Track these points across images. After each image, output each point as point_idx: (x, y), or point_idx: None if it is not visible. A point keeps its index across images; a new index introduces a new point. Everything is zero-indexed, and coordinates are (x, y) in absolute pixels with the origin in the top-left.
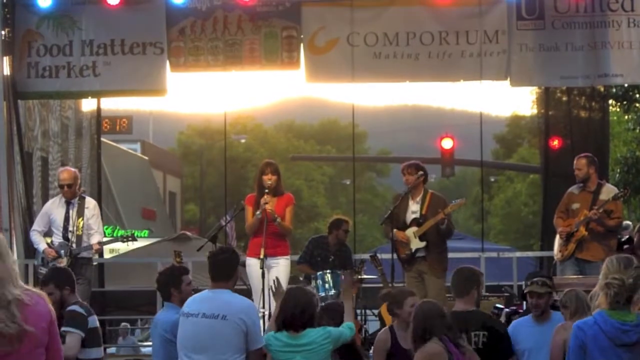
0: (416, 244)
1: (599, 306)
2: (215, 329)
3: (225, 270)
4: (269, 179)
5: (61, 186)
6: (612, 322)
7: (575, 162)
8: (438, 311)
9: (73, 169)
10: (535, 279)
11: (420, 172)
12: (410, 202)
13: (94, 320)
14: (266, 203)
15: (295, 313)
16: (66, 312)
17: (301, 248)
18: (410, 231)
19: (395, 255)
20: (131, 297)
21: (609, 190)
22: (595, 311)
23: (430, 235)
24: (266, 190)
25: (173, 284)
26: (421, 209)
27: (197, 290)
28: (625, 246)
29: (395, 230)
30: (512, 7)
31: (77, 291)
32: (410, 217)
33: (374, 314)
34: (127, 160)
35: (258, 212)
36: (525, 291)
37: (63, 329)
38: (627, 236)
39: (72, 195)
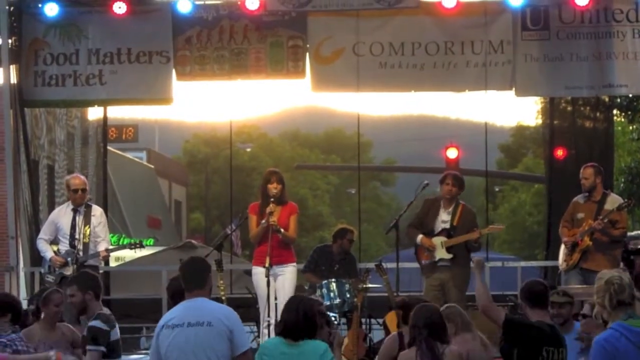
0: (442, 254)
1: (609, 318)
2: (201, 337)
3: (198, 278)
4: (274, 188)
5: (75, 190)
6: (637, 330)
7: (581, 171)
8: (426, 318)
9: (82, 176)
10: (555, 290)
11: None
12: (442, 211)
13: (116, 333)
14: (271, 212)
15: (297, 321)
16: (88, 327)
17: (306, 257)
18: (438, 240)
19: (416, 261)
20: (137, 305)
21: (613, 201)
22: (610, 324)
23: (457, 248)
24: (272, 199)
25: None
26: (452, 219)
27: None
28: (633, 257)
29: (421, 235)
30: (517, 17)
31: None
32: (439, 225)
33: (378, 323)
34: (132, 169)
35: (264, 222)
36: None
37: (87, 347)
38: None
39: (82, 201)
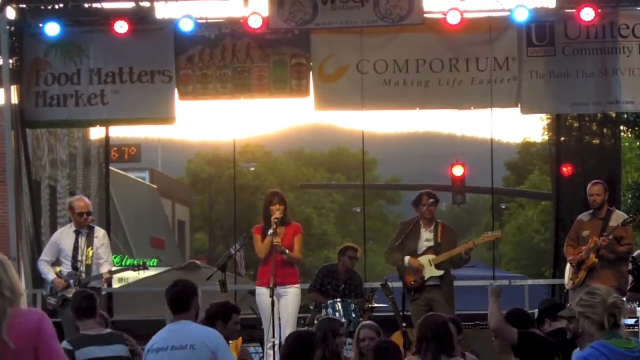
0: (432, 272)
1: (597, 336)
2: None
3: (182, 302)
4: (277, 209)
5: (80, 214)
6: (620, 351)
7: (590, 188)
8: (434, 330)
9: (86, 198)
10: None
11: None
12: (423, 231)
13: (84, 353)
14: (275, 233)
15: None
16: None
17: (311, 277)
18: (426, 259)
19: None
20: (140, 326)
21: (618, 217)
22: (593, 342)
23: (445, 265)
24: (276, 220)
25: (222, 318)
26: (436, 238)
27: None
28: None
29: (409, 257)
30: (522, 33)
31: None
32: (423, 245)
33: None
34: (135, 189)
35: (270, 231)
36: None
37: None
38: None
39: (87, 224)
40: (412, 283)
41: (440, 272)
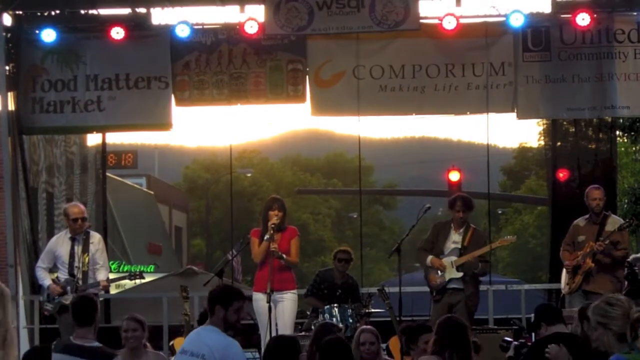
0: (452, 273)
1: (613, 347)
2: None
3: (209, 307)
4: (275, 215)
5: (75, 220)
6: None
7: (590, 192)
8: (452, 333)
9: (81, 204)
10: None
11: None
12: (452, 232)
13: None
14: (271, 239)
15: None
16: None
17: (308, 282)
18: (449, 260)
19: (426, 284)
20: None
21: (614, 222)
22: (612, 357)
23: (468, 269)
24: (272, 226)
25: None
26: (463, 240)
27: None
28: None
29: (431, 256)
30: (518, 38)
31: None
32: (450, 246)
33: (382, 349)
34: (132, 195)
35: (266, 236)
36: None
37: None
38: None
39: (82, 230)
40: (434, 283)
41: (460, 274)
